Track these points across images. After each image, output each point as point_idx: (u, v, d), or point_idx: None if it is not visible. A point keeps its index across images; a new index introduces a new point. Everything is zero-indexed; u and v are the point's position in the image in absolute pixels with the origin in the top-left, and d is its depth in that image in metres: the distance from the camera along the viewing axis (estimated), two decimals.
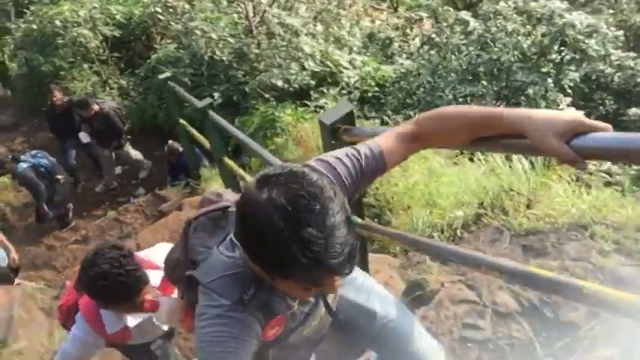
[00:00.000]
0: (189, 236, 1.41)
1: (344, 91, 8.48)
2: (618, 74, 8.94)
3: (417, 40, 11.24)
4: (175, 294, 2.13)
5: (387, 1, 18.98)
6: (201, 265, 1.30)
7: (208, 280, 1.22)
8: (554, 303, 2.23)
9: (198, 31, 6.95)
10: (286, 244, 0.99)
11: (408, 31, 13.38)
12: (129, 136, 7.86)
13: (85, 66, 10.05)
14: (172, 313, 1.92)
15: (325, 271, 1.02)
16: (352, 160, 1.32)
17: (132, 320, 2.26)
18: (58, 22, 9.82)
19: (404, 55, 10.74)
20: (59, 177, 7.05)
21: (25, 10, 11.20)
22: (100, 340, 2.23)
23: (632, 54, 9.34)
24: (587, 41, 6.40)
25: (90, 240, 6.33)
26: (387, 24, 13.23)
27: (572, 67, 6.67)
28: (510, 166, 3.72)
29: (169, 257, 1.58)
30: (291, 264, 1.00)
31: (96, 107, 7.06)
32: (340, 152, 1.34)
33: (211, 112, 4.22)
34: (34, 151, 7.11)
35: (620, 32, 9.88)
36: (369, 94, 8.70)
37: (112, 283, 1.90)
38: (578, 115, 1.09)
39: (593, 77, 8.88)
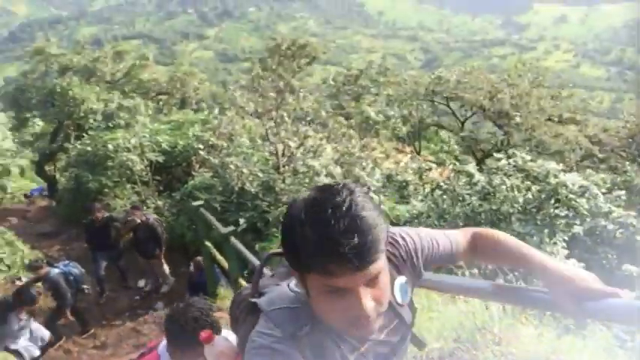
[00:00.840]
0: (262, 272, 1.46)
1: None
2: (620, 230, 9.47)
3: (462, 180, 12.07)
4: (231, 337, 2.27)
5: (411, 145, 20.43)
6: (267, 294, 1.32)
7: (270, 308, 1.24)
8: None
9: (232, 166, 7.90)
10: (305, 228, 1.05)
11: (426, 174, 14.26)
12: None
13: (128, 186, 11.14)
14: (222, 353, 2.04)
15: (334, 252, 1.02)
16: (432, 244, 1.44)
17: None
18: (110, 146, 11.09)
19: (419, 197, 11.56)
20: (85, 287, 7.64)
21: (84, 135, 12.65)
22: None
23: (633, 213, 9.94)
24: (578, 200, 7.06)
25: (107, 347, 6.76)
26: (407, 167, 14.24)
27: (563, 222, 7.25)
28: (487, 307, 4.21)
29: (238, 295, 1.63)
30: (308, 247, 1.04)
31: (143, 218, 7.89)
32: (431, 232, 1.48)
33: (232, 239, 4.88)
34: (66, 261, 7.78)
35: (623, 192, 10.61)
36: None
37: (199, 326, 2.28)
38: (592, 280, 1.24)
39: (597, 232, 9.45)
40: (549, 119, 17.51)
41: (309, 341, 1.18)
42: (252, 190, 8.14)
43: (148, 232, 7.91)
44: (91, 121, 12.73)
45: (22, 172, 11.82)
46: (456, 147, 19.57)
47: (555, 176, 7.23)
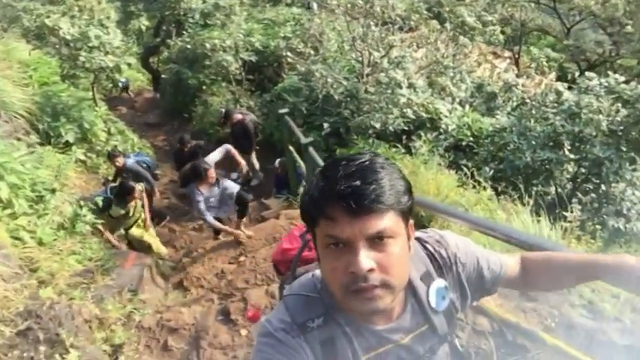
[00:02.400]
0: (300, 257, 1.49)
1: (441, 136, 9.36)
2: None
3: (537, 91, 11.65)
4: None
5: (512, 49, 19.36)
6: (296, 280, 1.30)
7: (288, 293, 1.22)
8: (515, 329, 3.09)
9: (317, 73, 8.25)
10: (314, 178, 1.09)
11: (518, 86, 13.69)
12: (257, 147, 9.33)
13: (224, 84, 11.83)
14: None
15: (334, 193, 1.01)
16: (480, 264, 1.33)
17: None
18: (207, 45, 11.69)
19: (506, 110, 11.37)
20: (157, 172, 8.55)
21: (184, 32, 13.34)
22: None
23: None
24: None
25: (204, 230, 7.78)
26: (500, 77, 13.77)
27: None
28: None
29: (286, 278, 1.65)
30: (312, 194, 1.07)
31: (239, 117, 8.61)
32: (481, 249, 1.37)
33: (310, 149, 5.38)
34: (137, 151, 8.67)
35: None
36: (464, 143, 9.46)
37: None
38: None
39: None
40: None
41: (320, 335, 1.13)
42: (336, 96, 8.49)
43: (243, 130, 8.62)
44: (190, 19, 13.33)
45: (129, 66, 12.75)
46: (557, 55, 18.45)
47: None
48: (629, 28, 15.93)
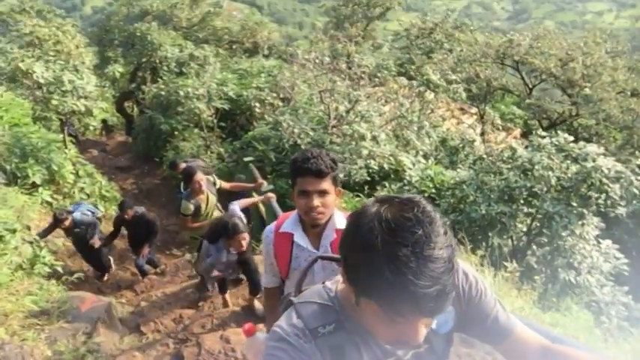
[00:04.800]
0: (307, 273, 1.46)
1: (406, 187, 9.66)
2: None
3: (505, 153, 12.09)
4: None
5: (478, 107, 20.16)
6: (303, 292, 1.32)
7: (299, 301, 1.23)
8: None
9: (285, 123, 8.55)
10: (378, 257, 0.99)
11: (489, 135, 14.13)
12: None
13: (195, 130, 12.08)
14: (261, 350, 1.74)
15: (408, 297, 0.98)
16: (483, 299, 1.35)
17: None
18: (181, 93, 11.99)
19: (468, 164, 11.81)
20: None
21: (159, 79, 13.67)
22: None
23: None
24: (611, 185, 7.21)
25: (166, 274, 7.81)
26: (462, 133, 14.33)
27: (595, 205, 7.43)
28: None
29: (287, 295, 1.60)
30: (377, 277, 0.99)
31: (183, 165, 8.62)
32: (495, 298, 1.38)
33: (271, 198, 5.58)
34: (76, 203, 8.36)
35: None
36: (426, 194, 9.76)
37: None
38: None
39: None
40: (621, 92, 16.87)
41: (330, 341, 1.15)
42: (303, 146, 8.78)
43: (187, 175, 8.70)
44: (165, 67, 13.70)
45: (103, 110, 12.96)
46: (522, 113, 19.28)
47: (593, 160, 7.39)
48: (587, 91, 16.82)
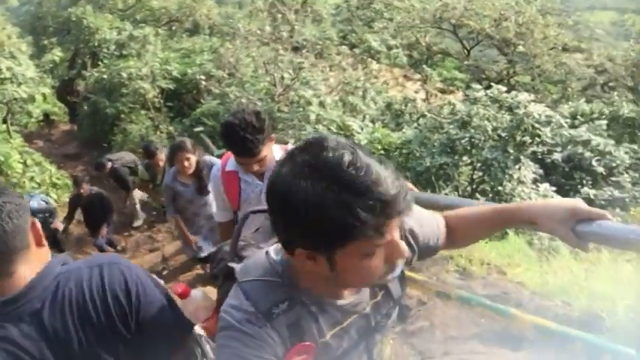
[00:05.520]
0: (242, 231, 1.35)
1: None
2: (597, 158, 10.17)
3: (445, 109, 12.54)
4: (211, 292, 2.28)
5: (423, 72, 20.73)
6: (245, 261, 1.21)
7: (245, 279, 1.13)
8: None
9: (232, 95, 8.70)
10: (327, 194, 0.92)
11: (428, 101, 14.64)
12: None
13: (142, 112, 12.01)
14: (198, 309, 1.82)
15: (379, 204, 0.93)
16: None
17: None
18: (124, 74, 11.88)
19: (414, 125, 12.27)
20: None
21: (99, 63, 13.44)
22: None
23: (611, 141, 10.58)
24: (542, 129, 7.77)
25: (127, 251, 7.92)
26: (408, 97, 14.80)
27: (530, 149, 8.01)
28: None
29: (218, 250, 1.53)
30: (340, 211, 0.92)
31: (109, 165, 8.65)
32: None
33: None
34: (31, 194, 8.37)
35: (604, 122, 11.19)
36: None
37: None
38: (577, 202, 1.24)
39: (575, 159, 10.19)
40: (553, 48, 17.69)
41: (286, 319, 1.08)
42: None
43: (115, 176, 8.88)
44: (105, 50, 13.47)
45: (44, 98, 12.67)
46: (463, 75, 19.93)
47: (525, 107, 7.91)
48: (521, 48, 17.56)
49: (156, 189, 6.42)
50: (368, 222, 0.93)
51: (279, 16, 9.77)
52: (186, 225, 5.03)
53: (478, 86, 8.91)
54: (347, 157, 0.94)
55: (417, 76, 20.86)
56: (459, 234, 1.40)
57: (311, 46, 10.09)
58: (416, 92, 18.06)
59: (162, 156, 6.37)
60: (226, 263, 1.27)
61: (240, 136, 2.35)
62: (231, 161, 2.67)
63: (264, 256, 1.16)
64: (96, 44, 14.54)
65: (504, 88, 8.48)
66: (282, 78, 8.85)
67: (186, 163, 4.68)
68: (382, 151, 10.23)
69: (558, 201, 1.29)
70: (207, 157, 5.16)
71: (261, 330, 1.06)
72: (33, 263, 1.26)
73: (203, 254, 4.95)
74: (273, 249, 1.18)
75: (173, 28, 19.03)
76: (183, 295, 2.02)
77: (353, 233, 0.94)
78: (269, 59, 9.29)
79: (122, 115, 12.16)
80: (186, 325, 1.47)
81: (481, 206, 1.45)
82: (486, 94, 8.46)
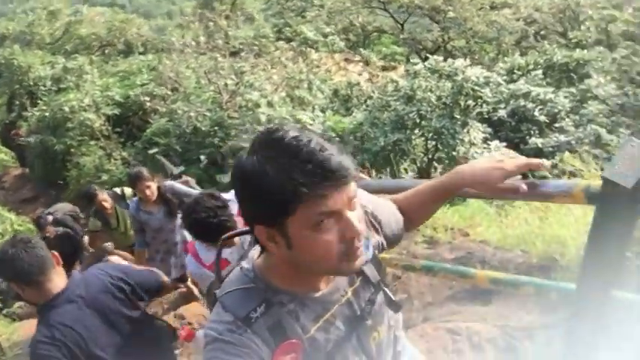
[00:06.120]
0: (220, 259, 1.41)
1: None
2: (539, 107, 10.63)
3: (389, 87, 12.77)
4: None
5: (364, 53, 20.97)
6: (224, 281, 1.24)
7: (221, 294, 1.16)
8: None
9: (180, 111, 8.73)
10: (269, 162, 0.99)
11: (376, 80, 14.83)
12: None
13: (92, 143, 11.86)
14: None
15: (318, 169, 0.98)
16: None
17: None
18: (66, 108, 11.69)
19: (362, 107, 12.51)
20: None
21: (38, 101, 13.15)
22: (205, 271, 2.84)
23: (550, 89, 11.06)
24: (482, 90, 8.11)
25: None
26: (352, 80, 15.02)
27: (475, 111, 8.34)
28: None
29: (212, 283, 1.66)
30: (280, 175, 0.97)
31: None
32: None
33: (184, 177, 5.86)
34: None
35: (539, 71, 11.66)
36: None
37: (207, 228, 2.47)
38: (492, 157, 1.36)
39: (519, 112, 10.62)
40: (482, 8, 18.20)
41: (266, 322, 1.09)
42: (203, 128, 9.02)
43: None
44: (42, 87, 13.19)
45: None
46: (402, 50, 20.31)
47: (462, 72, 8.23)
48: (451, 14, 18.00)
49: (114, 233, 5.86)
50: (307, 185, 0.96)
51: (211, 23, 9.78)
52: (158, 255, 4.98)
53: (416, 60, 9.21)
54: (292, 133, 1.00)
55: (358, 57, 21.17)
56: (412, 215, 1.46)
57: (248, 47, 10.15)
58: (359, 74, 18.34)
59: (104, 196, 5.78)
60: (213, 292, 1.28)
61: (216, 222, 2.41)
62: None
63: (238, 269, 1.19)
64: (31, 83, 14.21)
65: (441, 58, 8.78)
66: (226, 85, 8.91)
67: (147, 192, 4.62)
68: (337, 138, 10.43)
69: (475, 162, 1.36)
70: (168, 182, 5.19)
71: (242, 337, 1.07)
72: (60, 275, 2.19)
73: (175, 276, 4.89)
74: (245, 260, 1.20)
75: (106, 52, 18.71)
76: (189, 338, 2.26)
77: (294, 197, 0.97)
78: (209, 68, 9.32)
79: (72, 150, 11.97)
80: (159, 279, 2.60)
81: (419, 185, 1.47)
82: (425, 66, 8.74)
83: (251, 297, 1.11)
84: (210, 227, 2.42)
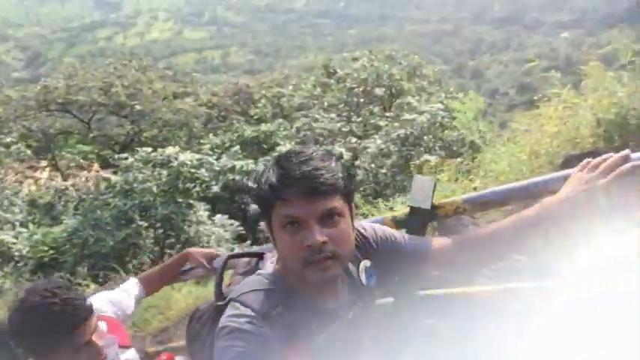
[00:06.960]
0: (222, 277, 1.42)
1: (19, 264, 8.96)
2: (246, 178, 11.66)
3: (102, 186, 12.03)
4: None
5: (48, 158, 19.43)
6: (233, 289, 1.28)
7: (238, 294, 1.20)
8: None
9: None
10: (267, 171, 1.15)
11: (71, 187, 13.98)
12: None
13: None
14: None
15: (291, 178, 1.10)
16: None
17: None
18: None
19: (70, 213, 11.64)
20: None
21: None
22: None
23: (250, 160, 12.24)
24: (199, 171, 8.62)
25: None
26: (47, 186, 13.85)
27: (196, 191, 8.76)
28: None
29: (197, 311, 1.50)
30: (267, 182, 1.13)
31: None
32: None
33: None
34: None
35: (237, 147, 12.82)
36: (46, 259, 9.29)
37: (45, 316, 1.48)
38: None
39: (229, 184, 11.44)
40: (165, 98, 19.15)
41: (283, 321, 1.15)
42: None
43: None
44: None
45: None
46: (90, 148, 19.62)
47: (175, 158, 8.59)
48: (137, 107, 18.37)
49: None
50: (275, 188, 1.11)
51: None
52: None
53: (123, 155, 9.17)
54: (301, 147, 1.19)
55: (44, 162, 19.59)
56: (467, 255, 1.34)
57: None
58: (51, 179, 17.01)
59: None
60: (215, 304, 1.30)
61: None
62: None
63: (256, 275, 1.25)
64: None
65: (150, 149, 8.95)
66: None
67: None
68: (52, 251, 9.46)
69: (568, 190, 1.21)
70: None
71: (262, 329, 1.11)
72: None
73: None
74: (263, 269, 1.27)
75: None
76: None
77: (270, 197, 1.12)
78: None
79: None
80: None
81: (497, 224, 1.35)
82: (135, 159, 8.78)
83: (270, 297, 1.16)
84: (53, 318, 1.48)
